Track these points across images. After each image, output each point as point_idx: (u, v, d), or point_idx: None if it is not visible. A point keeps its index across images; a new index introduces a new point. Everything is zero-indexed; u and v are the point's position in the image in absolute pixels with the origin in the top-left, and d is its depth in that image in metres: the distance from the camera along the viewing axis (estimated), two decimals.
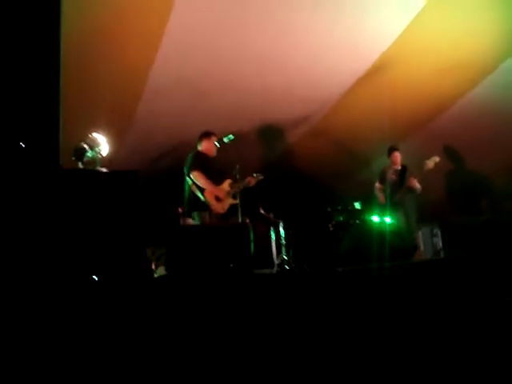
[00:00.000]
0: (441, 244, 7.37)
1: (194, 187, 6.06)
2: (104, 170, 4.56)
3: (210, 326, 3.47)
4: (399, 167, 7.54)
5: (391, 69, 6.93)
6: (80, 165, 4.70)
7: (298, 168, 9.05)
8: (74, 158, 4.73)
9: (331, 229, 7.78)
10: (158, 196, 7.02)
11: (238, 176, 6.32)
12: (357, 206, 8.08)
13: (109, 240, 3.98)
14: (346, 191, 9.11)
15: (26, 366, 2.96)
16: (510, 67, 6.85)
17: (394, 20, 6.17)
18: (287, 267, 7.10)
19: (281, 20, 6.00)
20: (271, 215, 7.60)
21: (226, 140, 6.35)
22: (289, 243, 7.46)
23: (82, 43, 5.69)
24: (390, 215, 7.32)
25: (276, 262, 7.17)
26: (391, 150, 7.66)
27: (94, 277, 3.79)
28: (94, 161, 4.78)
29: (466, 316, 3.76)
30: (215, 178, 6.16)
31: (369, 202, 7.92)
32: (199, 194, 6.01)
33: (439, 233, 7.59)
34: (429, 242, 7.71)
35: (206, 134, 6.39)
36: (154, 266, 6.50)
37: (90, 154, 4.76)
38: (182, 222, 6.82)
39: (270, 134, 8.41)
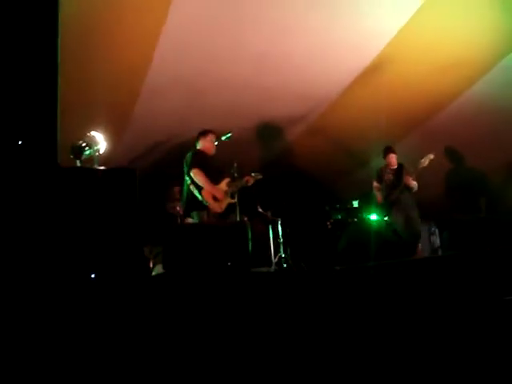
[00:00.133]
0: (438, 242, 7.40)
1: (192, 186, 6.05)
2: (102, 167, 4.55)
3: (207, 324, 3.46)
4: (395, 166, 7.54)
5: (389, 67, 6.93)
6: (78, 163, 4.70)
7: (296, 166, 9.06)
8: (71, 156, 4.73)
9: (329, 227, 7.80)
10: (155, 194, 7.02)
11: (235, 174, 6.32)
12: (355, 204, 8.10)
13: (106, 238, 3.97)
14: (344, 190, 9.14)
15: (22, 364, 2.95)
16: (507, 65, 6.85)
17: (392, 18, 6.17)
18: (285, 265, 7.11)
19: (278, 19, 5.99)
20: (269, 214, 7.61)
21: (223, 138, 6.37)
22: (287, 241, 7.46)
23: (80, 42, 5.69)
24: (387, 214, 7.33)
25: (274, 260, 7.18)
26: (386, 151, 7.63)
27: (92, 275, 3.79)
28: (91, 159, 4.78)
29: (464, 315, 3.76)
30: (214, 176, 6.14)
31: (367, 201, 7.93)
32: (197, 194, 6.00)
33: (437, 231, 7.62)
34: (426, 240, 7.73)
35: (205, 133, 6.39)
36: (151, 265, 6.50)
37: (87, 152, 4.75)
38: (179, 220, 6.82)
39: (268, 132, 8.41)
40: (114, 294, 3.55)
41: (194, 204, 6.06)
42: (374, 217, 7.61)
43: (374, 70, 7.00)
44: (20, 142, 4.03)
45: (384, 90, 7.28)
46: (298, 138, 8.70)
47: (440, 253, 7.29)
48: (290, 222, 7.78)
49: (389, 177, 7.52)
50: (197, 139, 6.42)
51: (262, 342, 3.44)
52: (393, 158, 7.57)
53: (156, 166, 8.13)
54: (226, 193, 6.16)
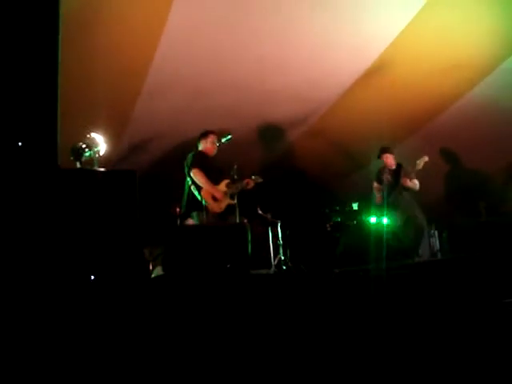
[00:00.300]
0: (438, 245, 7.40)
1: (192, 187, 6.07)
2: (102, 169, 4.55)
3: (206, 326, 3.47)
4: (394, 167, 7.52)
5: (390, 69, 6.93)
6: (78, 164, 4.70)
7: (296, 168, 9.05)
8: (72, 158, 4.73)
9: (329, 229, 7.79)
10: (155, 196, 7.02)
11: (235, 176, 6.31)
12: (354, 206, 8.09)
13: (106, 240, 3.97)
14: (343, 192, 9.13)
15: (21, 366, 2.96)
16: (508, 68, 6.85)
17: (393, 21, 6.17)
18: (284, 268, 7.11)
19: (279, 20, 5.99)
20: (269, 216, 7.61)
21: (223, 140, 6.37)
22: (286, 244, 7.46)
23: (80, 42, 5.68)
24: (386, 216, 7.32)
25: (273, 262, 7.18)
26: (381, 152, 7.59)
27: (92, 276, 3.79)
28: (91, 160, 4.78)
29: (463, 318, 3.76)
30: (214, 177, 6.15)
31: (366, 203, 7.93)
32: (196, 194, 6.02)
33: (436, 234, 7.61)
34: (426, 243, 7.72)
35: (206, 134, 6.41)
36: (151, 267, 6.50)
37: (88, 153, 4.76)
38: (179, 222, 6.82)
39: (268, 133, 8.41)
40: (114, 295, 3.55)
41: (194, 204, 6.07)
42: (373, 219, 7.60)
43: (374, 72, 6.99)
44: (20, 144, 4.03)
45: (385, 92, 7.29)
46: (298, 139, 8.69)
47: (439, 256, 7.29)
48: (289, 224, 7.78)
49: (387, 177, 7.50)
50: (198, 140, 6.43)
51: (261, 343, 3.45)
52: (388, 159, 7.54)
53: (156, 167, 8.13)
54: (225, 193, 6.16)
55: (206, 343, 3.34)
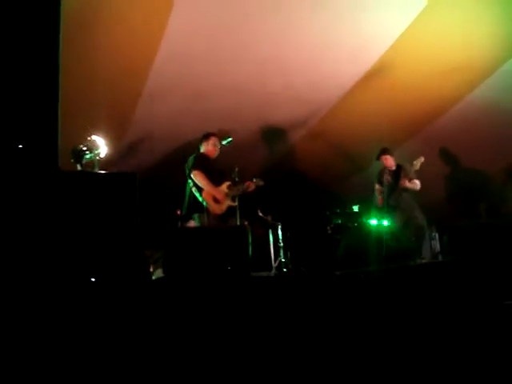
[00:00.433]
0: (439, 247, 7.38)
1: (194, 189, 6.09)
2: (102, 172, 4.56)
3: (207, 328, 3.46)
4: (393, 168, 7.51)
5: (390, 72, 6.94)
6: (78, 167, 4.70)
7: (297, 170, 9.05)
8: (72, 160, 4.73)
9: (329, 232, 7.79)
10: (156, 198, 7.02)
11: (236, 178, 6.32)
12: (355, 209, 8.08)
13: (107, 242, 3.97)
14: (344, 194, 9.12)
15: (22, 367, 2.96)
16: (509, 70, 6.86)
17: (393, 23, 6.18)
18: (285, 270, 7.11)
19: (279, 22, 6.00)
20: (269, 218, 7.60)
21: (224, 142, 6.39)
22: (287, 246, 7.46)
23: (81, 44, 5.69)
24: (387, 217, 7.31)
25: (274, 264, 7.17)
26: (380, 153, 7.58)
27: (92, 279, 3.79)
28: (92, 163, 4.78)
29: (464, 319, 3.76)
30: (215, 179, 6.18)
31: (367, 205, 7.92)
32: (197, 195, 6.04)
33: (437, 236, 7.60)
34: (427, 245, 7.71)
35: (207, 136, 6.44)
36: (151, 269, 6.49)
37: (88, 156, 4.76)
38: (179, 224, 6.83)
39: (269, 136, 8.41)
40: (115, 298, 3.55)
41: (195, 206, 6.11)
42: (374, 221, 7.59)
43: (375, 74, 7.00)
44: (21, 146, 4.03)
45: (385, 94, 7.29)
46: (298, 142, 8.70)
47: (440, 258, 7.27)
48: (290, 227, 7.77)
49: (387, 178, 7.49)
50: (200, 142, 6.45)
51: (261, 345, 3.44)
52: (387, 160, 7.53)
53: (157, 170, 8.12)
54: (226, 195, 6.17)
55: (206, 345, 3.34)
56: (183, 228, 6.26)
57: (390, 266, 5.25)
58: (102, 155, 4.86)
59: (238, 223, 6.12)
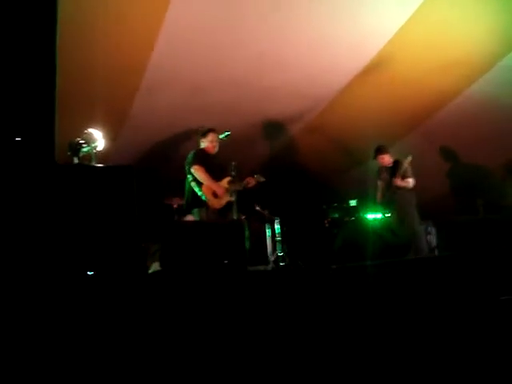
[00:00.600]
0: (435, 242, 7.39)
1: (193, 183, 6.12)
2: (99, 165, 4.55)
3: (204, 322, 3.47)
4: (390, 165, 7.50)
5: (388, 66, 6.92)
6: (75, 160, 4.69)
7: (294, 165, 9.06)
8: (69, 153, 4.72)
9: (326, 226, 7.80)
10: (153, 192, 7.02)
11: (233, 173, 6.34)
12: (352, 203, 8.09)
13: (104, 235, 3.97)
14: (341, 188, 9.13)
15: (19, 361, 2.96)
16: (507, 64, 6.85)
17: (392, 17, 6.16)
18: (282, 264, 7.12)
19: (277, 17, 5.98)
20: (266, 212, 7.61)
21: (221, 137, 6.44)
22: (284, 240, 7.47)
23: (78, 37, 5.67)
24: (384, 212, 7.33)
25: (271, 258, 7.19)
26: (375, 153, 7.59)
27: (89, 272, 3.79)
28: (89, 156, 4.78)
29: (460, 314, 3.77)
30: (215, 174, 6.22)
31: (364, 200, 7.93)
32: (197, 190, 6.07)
33: (434, 231, 7.60)
34: (424, 239, 7.71)
35: (205, 133, 6.48)
36: (148, 262, 6.50)
37: (85, 149, 4.75)
38: (176, 217, 6.85)
39: (267, 130, 8.41)
40: (112, 291, 3.55)
41: (194, 201, 6.17)
42: (371, 216, 7.60)
43: (373, 68, 6.99)
44: (18, 139, 4.03)
45: (383, 88, 7.29)
46: (297, 136, 8.70)
47: (437, 253, 7.28)
48: (287, 221, 7.78)
49: (385, 176, 7.51)
50: (199, 138, 6.52)
51: (258, 339, 3.45)
52: (383, 159, 7.53)
53: (154, 163, 8.12)
54: (226, 190, 6.21)
55: (203, 339, 3.35)
56: (180, 222, 6.28)
57: (387, 260, 5.25)
58: (99, 148, 4.86)
59: (235, 217, 6.14)
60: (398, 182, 7.25)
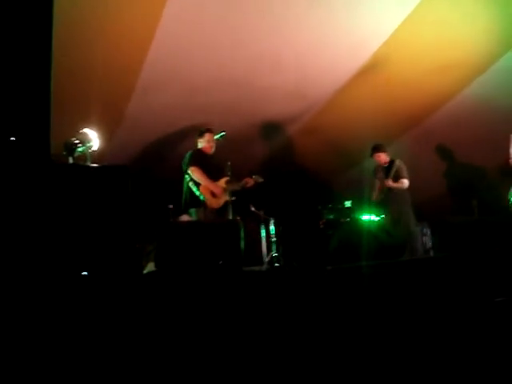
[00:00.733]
0: (430, 243, 7.40)
1: (191, 183, 6.14)
2: (94, 165, 4.54)
3: (198, 322, 3.46)
4: (386, 164, 7.51)
5: (384, 67, 6.94)
6: (70, 159, 4.68)
7: (290, 165, 9.06)
8: (64, 153, 4.71)
9: (321, 227, 7.80)
10: (148, 192, 7.02)
11: (229, 173, 6.35)
12: (347, 204, 8.10)
13: (99, 235, 3.96)
14: (337, 189, 9.14)
15: (11, 361, 2.95)
16: (503, 66, 6.88)
17: (388, 18, 6.18)
18: (277, 264, 7.12)
19: (274, 17, 5.99)
20: (262, 212, 7.62)
21: (216, 137, 6.45)
22: (279, 241, 7.47)
23: (74, 36, 5.66)
24: (379, 213, 7.34)
25: (266, 259, 7.19)
26: (372, 151, 7.61)
27: (83, 272, 3.78)
28: (84, 156, 4.77)
29: (455, 316, 3.77)
30: (213, 175, 6.25)
31: (360, 200, 7.94)
32: (195, 190, 6.09)
33: (429, 232, 7.62)
34: (419, 241, 7.73)
35: (202, 133, 6.49)
36: (143, 263, 6.49)
37: (80, 148, 4.74)
38: (172, 218, 6.85)
39: (263, 131, 8.41)
40: (106, 291, 3.54)
41: (192, 201, 6.19)
42: (366, 217, 7.61)
43: (369, 69, 7.00)
44: (13, 139, 4.01)
45: (379, 89, 7.30)
46: (292, 137, 8.71)
47: (432, 253, 7.29)
48: (282, 221, 7.79)
49: (380, 175, 7.52)
50: (196, 138, 6.55)
51: (253, 340, 3.45)
52: (379, 157, 7.54)
53: (149, 163, 8.12)
54: (224, 190, 6.23)
55: (197, 339, 3.34)
56: (175, 222, 6.29)
57: (382, 261, 5.25)
58: (95, 148, 4.85)
59: (231, 218, 6.15)
60: (390, 183, 7.27)
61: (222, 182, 6.29)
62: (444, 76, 7.06)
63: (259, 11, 5.88)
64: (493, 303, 3.84)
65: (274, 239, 7.42)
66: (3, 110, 4.16)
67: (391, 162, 7.43)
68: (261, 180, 6.77)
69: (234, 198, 6.30)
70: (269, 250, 7.34)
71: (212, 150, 6.44)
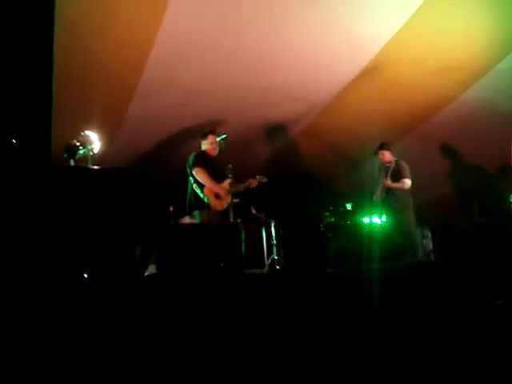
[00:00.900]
0: (431, 246, 7.40)
1: (195, 185, 6.15)
2: (96, 167, 4.54)
3: (200, 324, 3.46)
4: (388, 164, 7.51)
5: (384, 70, 6.94)
6: (72, 162, 4.69)
7: (290, 168, 9.05)
8: (65, 155, 4.71)
9: (322, 229, 7.80)
10: (149, 194, 7.02)
11: (230, 175, 6.35)
12: (348, 207, 8.10)
13: (100, 238, 3.96)
14: (337, 192, 9.13)
15: (11, 363, 2.95)
16: (502, 70, 6.89)
17: (388, 22, 6.17)
18: (278, 267, 7.12)
19: (275, 20, 5.98)
20: (263, 215, 7.62)
21: (218, 139, 6.46)
22: (280, 243, 7.47)
23: (75, 39, 5.66)
24: (380, 215, 7.33)
25: (267, 261, 7.19)
26: (378, 148, 7.64)
27: (85, 274, 3.78)
28: (85, 158, 4.77)
29: (456, 319, 3.77)
30: (216, 176, 6.25)
31: (361, 203, 7.94)
32: (199, 192, 6.10)
33: (430, 235, 7.62)
34: (420, 243, 7.73)
35: (205, 134, 6.51)
36: (144, 265, 6.49)
37: (82, 151, 4.74)
38: (173, 220, 6.86)
39: (263, 133, 8.42)
40: (108, 293, 3.54)
41: (196, 203, 6.19)
42: (367, 220, 7.61)
43: (369, 73, 7.00)
44: (14, 141, 4.01)
45: (380, 92, 7.30)
46: (292, 139, 8.71)
47: (433, 256, 7.30)
48: (283, 224, 7.79)
49: (383, 174, 7.52)
50: (200, 140, 6.55)
51: (254, 342, 3.45)
52: (384, 155, 7.55)
53: (151, 166, 8.12)
54: (228, 191, 6.24)
55: (199, 341, 3.34)
56: (176, 224, 6.29)
57: (382, 264, 5.26)
58: (96, 151, 4.85)
59: (232, 220, 6.16)
60: (388, 182, 7.29)
61: (226, 183, 6.30)
62: (445, 79, 7.07)
63: (259, 13, 5.88)
64: (493, 306, 3.85)
65: (275, 242, 7.42)
66: (5, 113, 4.17)
67: (394, 162, 7.43)
68: (265, 180, 6.79)
69: (238, 201, 6.31)
70: (269, 252, 7.34)
71: (215, 152, 6.45)
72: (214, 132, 6.48)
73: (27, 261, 3.60)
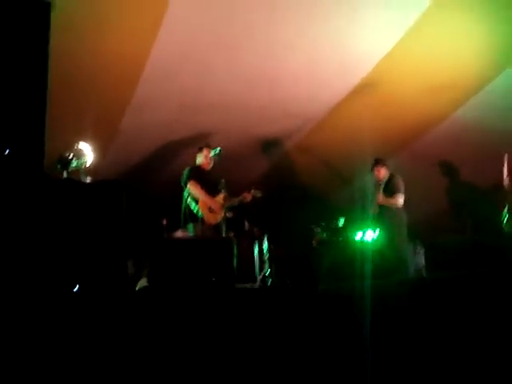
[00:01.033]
0: (423, 262, 7.39)
1: (189, 199, 6.18)
2: (89, 180, 4.53)
3: (191, 338, 3.45)
4: (385, 179, 7.49)
5: (377, 88, 6.98)
6: (65, 174, 4.68)
7: (283, 184, 9.07)
8: (58, 167, 4.71)
9: (314, 245, 7.79)
10: (142, 208, 7.01)
11: (222, 190, 6.38)
12: (340, 223, 8.09)
13: (92, 250, 3.94)
14: (330, 208, 9.14)
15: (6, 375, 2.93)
16: (493, 89, 6.95)
17: (381, 40, 6.22)
18: (269, 282, 7.11)
19: (269, 36, 6.02)
20: (255, 230, 7.61)
21: (212, 154, 6.47)
22: (272, 258, 7.46)
23: (70, 50, 5.67)
24: (373, 230, 7.32)
25: (258, 276, 7.17)
26: (372, 165, 7.58)
27: (76, 287, 3.76)
28: (78, 170, 4.76)
29: (448, 335, 3.77)
30: (210, 190, 6.28)
31: (353, 219, 7.94)
32: (193, 205, 6.12)
33: (422, 251, 7.61)
34: (411, 259, 7.72)
35: (200, 149, 6.57)
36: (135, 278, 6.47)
37: (75, 163, 4.74)
38: (165, 233, 6.86)
39: (256, 149, 8.44)
40: (98, 306, 3.52)
41: (190, 216, 6.23)
42: (358, 236, 7.60)
43: (363, 89, 7.04)
44: (7, 151, 4.00)
45: (371, 110, 7.32)
46: (285, 155, 8.73)
47: (424, 273, 7.28)
48: (275, 239, 7.78)
49: (378, 189, 7.51)
50: (196, 154, 6.58)
51: (245, 357, 3.44)
52: (379, 171, 7.51)
53: (144, 179, 8.11)
54: (222, 205, 6.26)
55: (190, 355, 3.33)
56: (169, 238, 6.29)
57: (374, 281, 5.25)
58: (89, 163, 4.85)
59: (224, 235, 6.17)
60: (380, 198, 7.28)
61: (220, 197, 6.34)
62: (438, 96, 7.12)
63: (254, 30, 5.92)
64: (482, 323, 3.85)
65: (267, 256, 7.41)
66: None
67: (389, 179, 7.43)
68: (259, 194, 6.80)
69: (231, 215, 6.33)
70: (262, 267, 7.33)
71: (209, 167, 6.48)
72: (208, 146, 6.52)
73: (18, 272, 3.58)
